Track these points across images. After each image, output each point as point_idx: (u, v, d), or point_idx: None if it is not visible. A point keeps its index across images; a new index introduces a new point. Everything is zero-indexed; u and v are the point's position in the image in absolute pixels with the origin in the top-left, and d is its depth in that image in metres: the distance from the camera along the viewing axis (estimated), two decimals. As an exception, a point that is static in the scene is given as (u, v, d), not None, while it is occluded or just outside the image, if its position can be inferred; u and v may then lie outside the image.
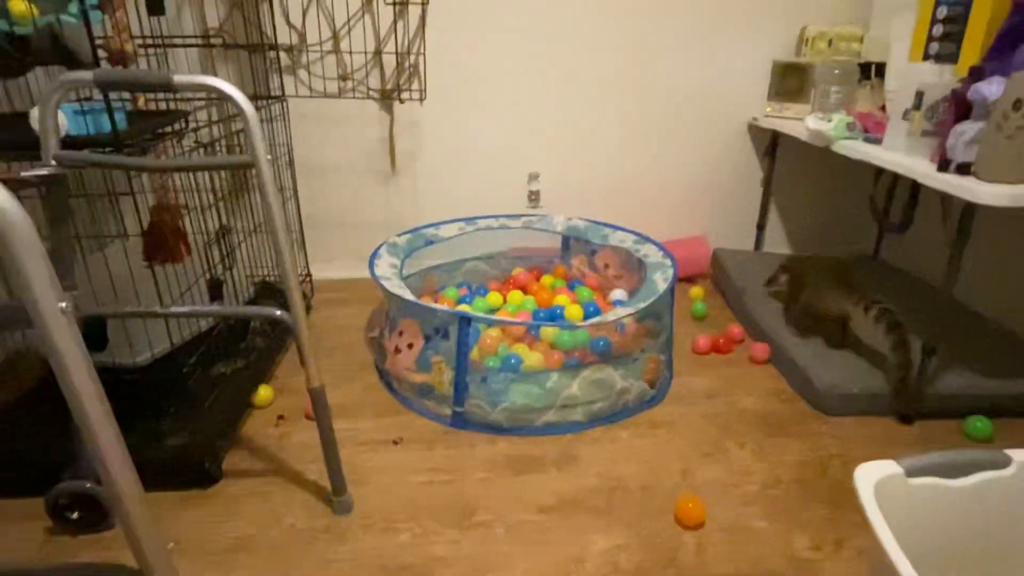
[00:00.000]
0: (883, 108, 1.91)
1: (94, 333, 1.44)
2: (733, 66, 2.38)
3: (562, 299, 2.06)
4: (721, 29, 2.33)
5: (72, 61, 1.34)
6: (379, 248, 2.01)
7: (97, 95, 1.29)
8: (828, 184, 2.59)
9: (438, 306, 1.73)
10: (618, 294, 2.10)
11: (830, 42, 2.21)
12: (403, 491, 1.39)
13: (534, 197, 2.50)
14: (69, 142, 1.14)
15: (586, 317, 1.94)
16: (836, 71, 1.98)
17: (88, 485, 1.23)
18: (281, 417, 1.64)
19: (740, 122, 2.48)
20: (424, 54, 2.19)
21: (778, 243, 2.69)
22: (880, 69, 1.99)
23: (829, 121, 1.86)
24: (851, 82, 1.98)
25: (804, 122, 1.94)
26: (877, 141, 1.76)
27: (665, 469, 1.46)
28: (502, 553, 1.22)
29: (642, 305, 1.64)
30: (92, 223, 1.75)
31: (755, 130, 2.49)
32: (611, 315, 1.64)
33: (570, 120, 2.41)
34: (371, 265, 1.87)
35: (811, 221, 2.66)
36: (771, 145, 2.47)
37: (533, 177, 2.48)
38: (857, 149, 1.76)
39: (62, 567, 0.59)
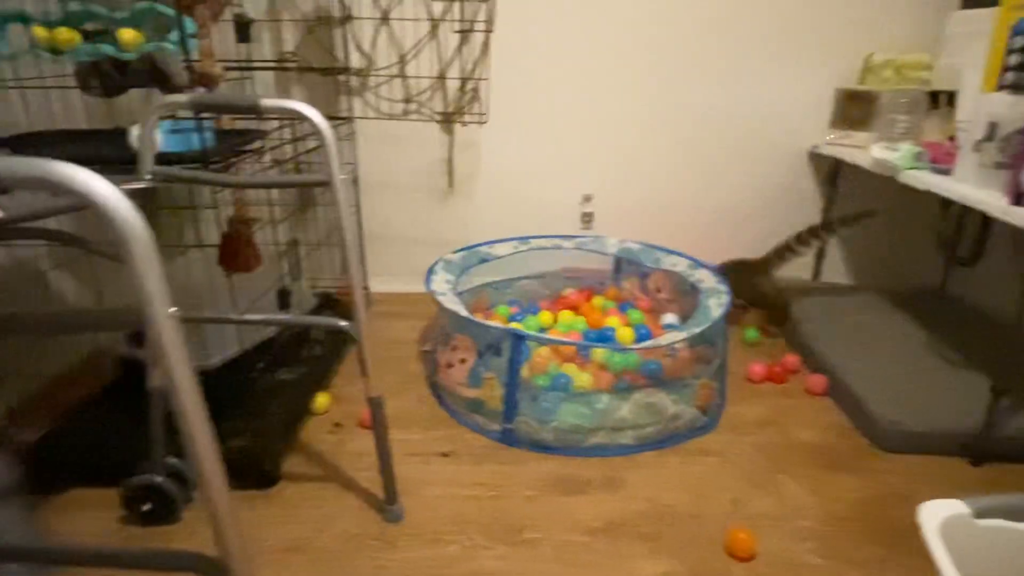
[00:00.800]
0: (952, 138, 1.86)
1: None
2: (793, 92, 2.36)
3: (613, 321, 2.07)
4: (782, 55, 2.32)
5: (165, 84, 1.45)
6: (435, 264, 2.06)
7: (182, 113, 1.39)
8: (892, 214, 2.51)
9: (492, 323, 1.77)
10: (669, 318, 2.09)
11: (897, 70, 2.17)
12: (452, 504, 1.42)
13: (587, 218, 2.52)
14: (162, 158, 1.23)
15: (638, 340, 1.94)
16: (904, 100, 1.95)
17: (159, 479, 1.30)
18: (337, 424, 1.70)
19: (800, 149, 2.45)
20: (488, 79, 2.26)
21: (837, 273, 2.62)
22: (950, 98, 1.93)
23: (896, 151, 1.82)
24: (919, 111, 1.94)
25: (870, 151, 1.90)
26: (946, 172, 1.71)
27: (715, 498, 1.44)
28: (550, 572, 1.23)
29: (696, 330, 1.64)
30: (172, 233, 1.87)
31: (816, 158, 2.45)
32: (664, 339, 1.64)
33: (625, 143, 2.44)
34: (427, 280, 1.93)
35: (873, 252, 2.59)
36: (832, 173, 2.43)
37: (587, 199, 2.50)
38: (925, 180, 1.71)
39: (147, 553, 0.64)
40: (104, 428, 1.50)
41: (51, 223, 1.05)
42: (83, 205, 0.97)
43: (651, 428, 1.62)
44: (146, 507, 1.32)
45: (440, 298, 1.81)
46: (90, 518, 1.36)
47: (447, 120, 2.34)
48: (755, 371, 1.95)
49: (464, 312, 1.74)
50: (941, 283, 2.49)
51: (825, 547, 1.30)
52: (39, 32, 1.17)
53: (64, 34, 1.16)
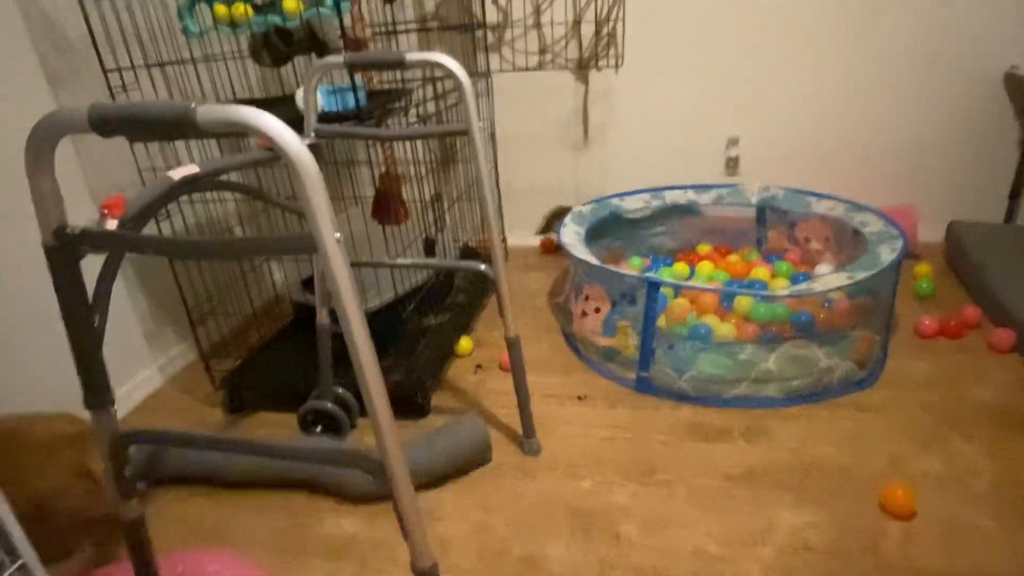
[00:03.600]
0: None
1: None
2: (983, 9, 2.02)
3: (760, 272, 1.96)
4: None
5: (323, 49, 1.59)
6: (565, 217, 2.08)
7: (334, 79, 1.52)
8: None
9: (626, 271, 1.76)
10: (824, 269, 1.94)
11: None
12: (586, 443, 1.46)
13: (732, 164, 2.39)
14: (323, 117, 1.36)
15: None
16: None
17: (329, 405, 1.48)
18: (479, 366, 1.81)
19: (991, 72, 2.11)
20: (623, 19, 2.19)
21: (1037, 216, 2.25)
22: None
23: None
24: None
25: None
26: None
27: (870, 454, 1.34)
28: (683, 512, 1.24)
29: (861, 275, 1.49)
30: (336, 187, 2.07)
31: (1014, 81, 2.10)
32: (818, 286, 1.52)
33: (775, 80, 2.25)
34: (558, 233, 1.95)
35: (1087, 189, 2.18)
36: (1034, 98, 2.07)
37: (732, 142, 2.36)
38: None
39: (328, 450, 0.75)
40: (284, 362, 1.73)
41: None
42: (265, 159, 1.11)
43: (800, 381, 1.53)
44: (318, 428, 1.51)
45: (571, 249, 1.82)
46: (274, 436, 1.58)
47: (582, 68, 2.31)
48: (926, 325, 1.75)
49: (596, 261, 1.74)
50: None
51: (1001, 511, 1.17)
52: (220, 9, 1.33)
53: (240, 8, 1.31)
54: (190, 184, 1.02)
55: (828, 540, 1.14)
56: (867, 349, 1.59)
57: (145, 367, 1.84)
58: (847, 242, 1.91)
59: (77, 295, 0.75)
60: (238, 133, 0.66)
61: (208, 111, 0.62)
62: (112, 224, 0.80)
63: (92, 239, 0.72)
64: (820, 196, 2.03)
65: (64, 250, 0.73)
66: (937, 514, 1.18)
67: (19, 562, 0.79)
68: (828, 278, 1.54)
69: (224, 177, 1.38)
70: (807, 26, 2.16)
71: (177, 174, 0.98)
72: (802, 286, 1.54)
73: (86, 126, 0.64)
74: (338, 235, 0.63)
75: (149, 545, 0.93)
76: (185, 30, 1.39)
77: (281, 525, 1.30)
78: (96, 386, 0.79)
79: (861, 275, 1.50)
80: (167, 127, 0.63)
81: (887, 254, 1.60)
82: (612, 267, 1.76)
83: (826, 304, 1.69)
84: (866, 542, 1.13)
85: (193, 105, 0.62)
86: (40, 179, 0.69)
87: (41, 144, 0.67)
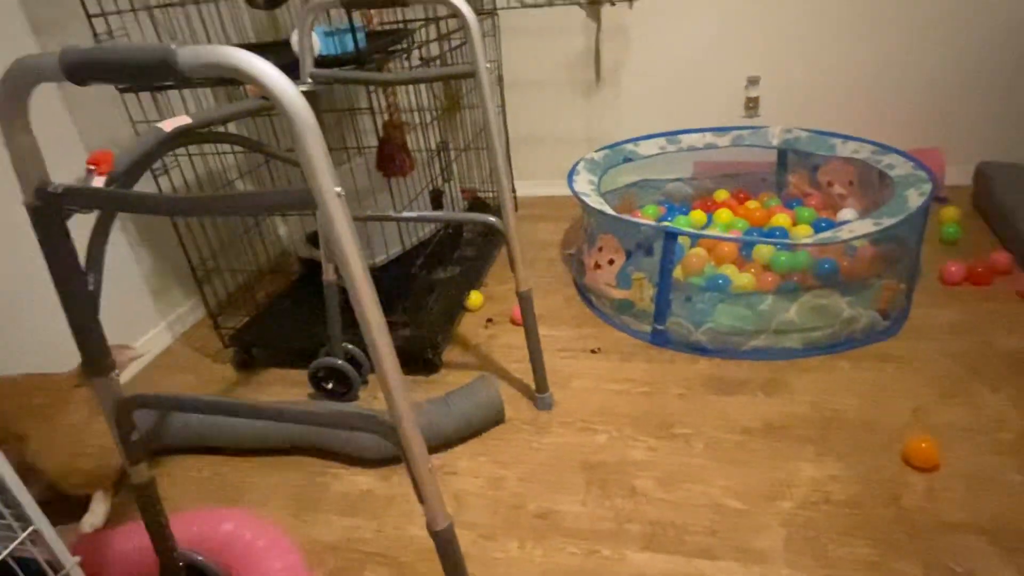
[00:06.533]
0: None
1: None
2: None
3: (781, 219, 1.89)
4: None
5: (319, -11, 1.49)
6: (576, 164, 2.00)
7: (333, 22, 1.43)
8: None
9: (641, 221, 1.70)
10: (848, 214, 1.86)
11: None
12: (601, 397, 1.44)
13: (752, 105, 2.28)
14: (320, 61, 1.28)
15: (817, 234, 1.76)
16: None
17: (339, 362, 1.46)
18: (490, 320, 1.78)
19: (1017, 11, 1.97)
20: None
21: (1072, 155, 2.15)
22: None
23: None
24: None
25: None
26: None
27: (893, 405, 1.31)
28: (700, 466, 1.22)
29: (888, 222, 1.43)
30: (340, 137, 1.99)
31: (1055, 9, 1.96)
32: (844, 232, 1.46)
33: (797, 16, 2.11)
34: (569, 182, 1.88)
35: None
36: (1078, 27, 1.93)
37: (752, 82, 2.24)
38: None
39: (337, 412, 0.72)
40: (293, 318, 1.70)
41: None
42: (258, 108, 1.05)
43: (821, 331, 1.49)
44: (329, 385, 1.50)
45: (584, 199, 1.76)
46: (284, 393, 1.57)
47: (594, 2, 2.18)
48: (951, 271, 1.69)
49: (609, 211, 1.68)
50: None
51: (1030, 465, 1.14)
52: (207, -55, 1.24)
53: (228, -56, 1.22)
54: (184, 136, 0.97)
55: (850, 493, 1.12)
56: (892, 298, 1.53)
57: (153, 325, 1.82)
58: (872, 186, 1.83)
59: (67, 257, 0.71)
60: (228, 80, 0.60)
61: (191, 53, 0.56)
62: (99, 181, 0.75)
63: (77, 198, 0.67)
64: (845, 138, 1.94)
65: (48, 210, 0.68)
66: (961, 467, 1.15)
67: (30, 528, 0.78)
68: (854, 225, 1.47)
69: (221, 128, 1.32)
70: (835, -47, 2.01)
71: (168, 125, 0.92)
72: (826, 234, 1.48)
73: (58, 73, 0.58)
74: (338, 189, 0.58)
75: (161, 507, 0.92)
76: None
77: (295, 482, 1.30)
78: (95, 352, 0.76)
79: (888, 221, 1.44)
80: (146, 72, 0.57)
81: (915, 198, 1.52)
82: (627, 216, 1.70)
83: (849, 252, 1.62)
84: (888, 495, 1.11)
85: (174, 47, 0.56)
86: (15, 134, 0.64)
87: (12, 94, 0.61)
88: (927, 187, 1.56)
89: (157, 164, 1.71)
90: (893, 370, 1.41)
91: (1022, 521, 1.04)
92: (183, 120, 0.93)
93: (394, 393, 0.67)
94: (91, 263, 0.75)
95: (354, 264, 0.60)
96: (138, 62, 0.56)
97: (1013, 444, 1.19)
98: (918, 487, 1.12)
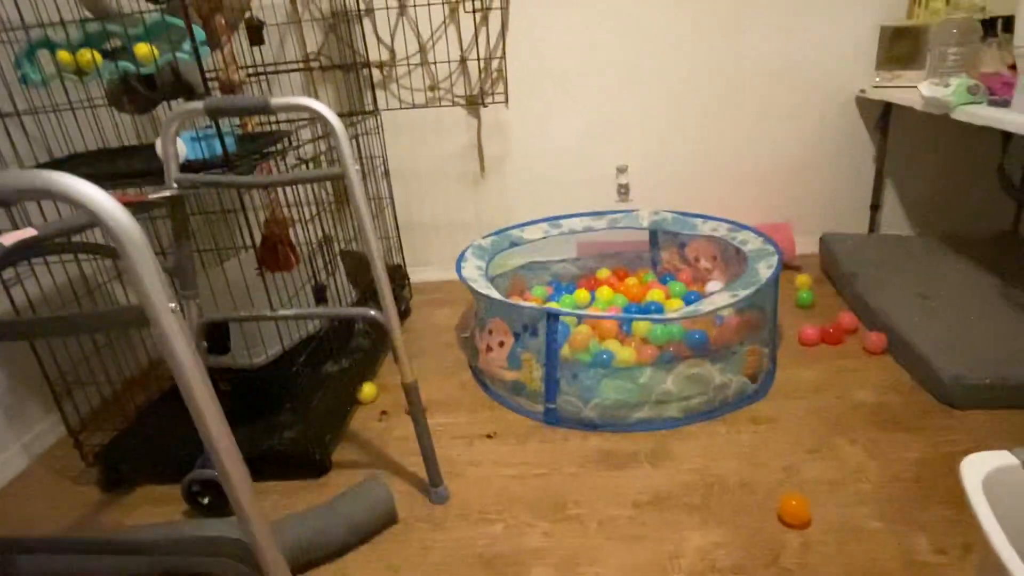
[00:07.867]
0: (1012, 67, 1.71)
1: (218, 338, 1.60)
2: (834, 34, 2.22)
3: (656, 294, 2.02)
4: (819, -3, 2.19)
5: (191, 94, 1.50)
6: (465, 251, 2.07)
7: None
8: (950, 156, 2.35)
9: (525, 303, 1.76)
10: (714, 286, 2.02)
11: (948, 0, 2.01)
12: (497, 483, 1.42)
13: (623, 190, 2.47)
14: (187, 167, 1.27)
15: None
16: (954, 30, 1.80)
17: (215, 472, 1.36)
18: (384, 412, 1.74)
19: (845, 95, 2.31)
20: (505, 58, 2.23)
21: (896, 223, 2.47)
22: (1008, 24, 1.77)
23: (947, 86, 1.69)
24: (972, 41, 1.79)
25: (919, 89, 1.77)
26: (1006, 103, 1.57)
27: (767, 466, 1.39)
28: (595, 547, 1.22)
29: (743, 293, 1.57)
30: (211, 239, 1.94)
31: (864, 103, 2.31)
32: (706, 305, 1.59)
33: (657, 107, 2.36)
34: (458, 268, 1.93)
35: (934, 198, 2.42)
36: (882, 118, 2.28)
37: (621, 170, 2.44)
38: (981, 115, 1.58)
39: (177, 538, 0.67)
40: (165, 429, 1.58)
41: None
42: (91, 224, 1.02)
43: (697, 399, 1.57)
44: (205, 500, 1.39)
45: (471, 284, 1.81)
46: (157, 513, 1.44)
47: (471, 104, 2.33)
48: (807, 334, 1.86)
49: (496, 295, 1.73)
50: (1013, 225, 2.31)
51: (886, 510, 1.23)
52: (63, 56, 1.22)
53: (85, 55, 1.21)
54: (32, 249, 0.92)
55: (734, 559, 1.16)
56: (757, 362, 1.66)
57: (6, 447, 1.63)
58: (732, 259, 2.01)
59: None
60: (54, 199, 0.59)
61: (13, 177, 0.55)
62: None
63: None
64: (705, 218, 2.13)
65: None
66: (831, 520, 1.22)
67: None
68: (715, 298, 1.60)
69: (77, 237, 1.26)
70: (682, 54, 2.29)
71: (8, 240, 0.88)
72: (691, 308, 1.60)
73: None
74: (173, 305, 0.57)
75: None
76: (24, 79, 1.27)
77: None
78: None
79: (743, 292, 1.57)
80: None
81: (764, 270, 1.69)
82: (511, 300, 1.75)
83: (718, 322, 1.75)
84: (769, 556, 1.16)
85: (-7, 172, 0.54)
86: None
87: None
88: (775, 259, 1.73)
89: (9, 274, 1.59)
90: (765, 431, 1.51)
91: (889, 566, 1.11)
92: (27, 233, 0.88)
93: (248, 512, 0.64)
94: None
95: (194, 379, 0.58)
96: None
97: (871, 493, 1.28)
98: (794, 544, 1.18)
